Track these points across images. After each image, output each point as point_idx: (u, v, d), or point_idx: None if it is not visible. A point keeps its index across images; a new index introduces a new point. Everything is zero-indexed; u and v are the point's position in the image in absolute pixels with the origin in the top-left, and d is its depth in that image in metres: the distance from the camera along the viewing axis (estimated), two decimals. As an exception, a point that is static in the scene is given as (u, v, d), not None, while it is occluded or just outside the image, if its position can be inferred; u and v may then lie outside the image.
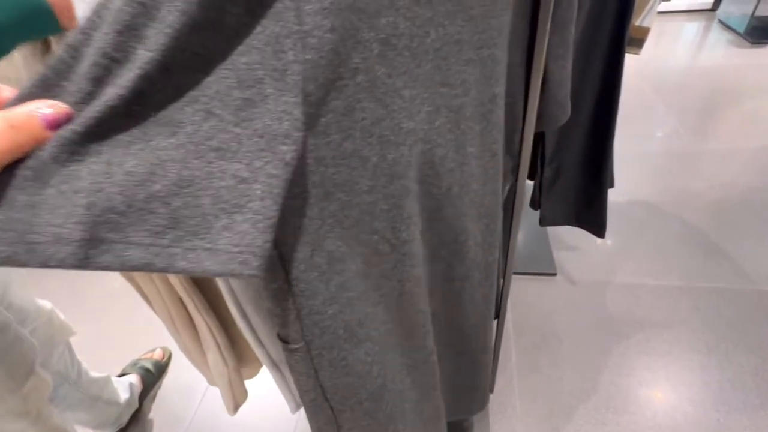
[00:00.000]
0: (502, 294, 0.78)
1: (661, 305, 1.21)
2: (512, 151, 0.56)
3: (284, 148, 0.25)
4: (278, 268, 0.31)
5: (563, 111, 0.58)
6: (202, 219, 0.23)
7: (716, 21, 2.71)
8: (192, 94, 0.22)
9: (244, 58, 0.23)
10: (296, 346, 0.35)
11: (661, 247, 1.37)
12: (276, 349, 0.53)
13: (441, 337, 0.54)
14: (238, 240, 0.24)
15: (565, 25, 0.49)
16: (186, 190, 0.23)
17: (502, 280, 0.76)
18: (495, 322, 0.71)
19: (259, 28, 0.23)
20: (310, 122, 0.26)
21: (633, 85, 2.17)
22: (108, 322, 1.36)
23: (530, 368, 1.11)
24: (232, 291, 0.46)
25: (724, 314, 1.17)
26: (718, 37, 2.57)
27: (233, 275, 0.25)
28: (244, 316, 0.48)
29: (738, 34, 2.49)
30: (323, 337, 0.36)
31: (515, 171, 0.60)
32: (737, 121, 1.88)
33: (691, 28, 2.73)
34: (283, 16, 0.23)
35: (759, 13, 2.49)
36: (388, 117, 0.31)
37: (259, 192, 0.24)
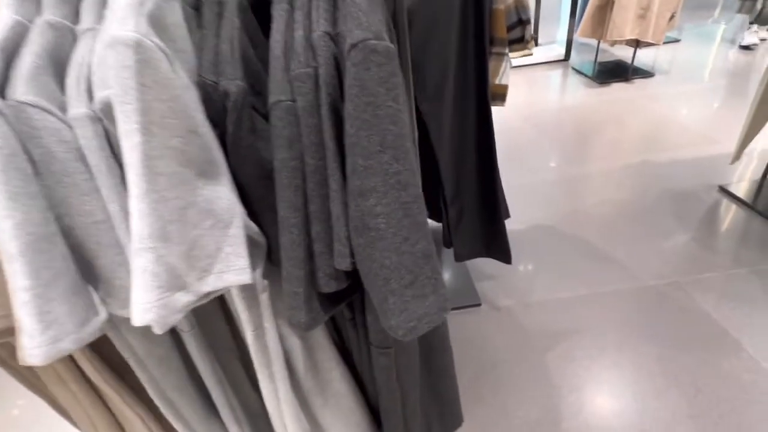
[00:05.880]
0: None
1: (576, 314, 1.36)
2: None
3: None
4: None
5: None
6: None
7: (570, 68, 3.26)
8: None
9: None
10: None
11: (564, 262, 1.55)
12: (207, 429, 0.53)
13: None
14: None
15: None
16: None
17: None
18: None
19: None
20: None
21: (518, 127, 2.50)
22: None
23: (475, 400, 1.16)
24: (154, 380, 0.47)
25: (623, 312, 1.34)
26: (574, 80, 3.08)
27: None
28: (171, 404, 0.48)
29: (588, 77, 3.01)
30: None
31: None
32: (603, 147, 2.23)
33: (554, 75, 3.24)
34: None
35: (600, 59, 3.06)
36: None
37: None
